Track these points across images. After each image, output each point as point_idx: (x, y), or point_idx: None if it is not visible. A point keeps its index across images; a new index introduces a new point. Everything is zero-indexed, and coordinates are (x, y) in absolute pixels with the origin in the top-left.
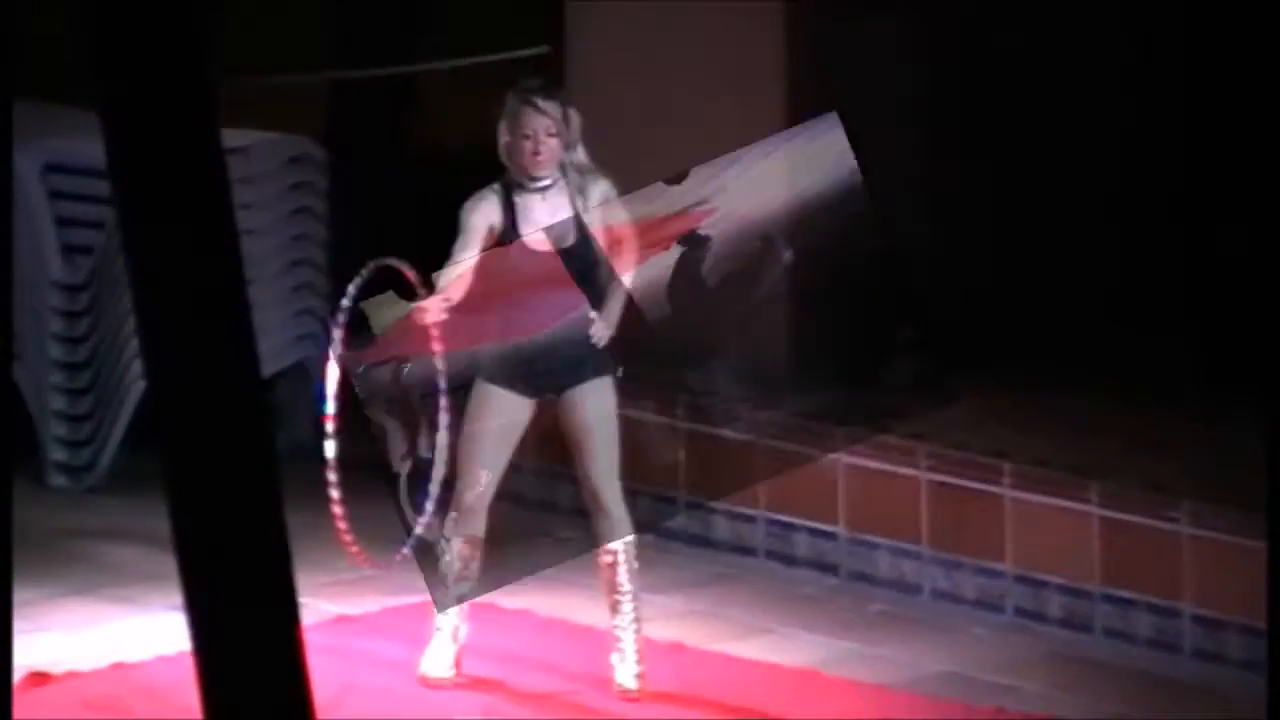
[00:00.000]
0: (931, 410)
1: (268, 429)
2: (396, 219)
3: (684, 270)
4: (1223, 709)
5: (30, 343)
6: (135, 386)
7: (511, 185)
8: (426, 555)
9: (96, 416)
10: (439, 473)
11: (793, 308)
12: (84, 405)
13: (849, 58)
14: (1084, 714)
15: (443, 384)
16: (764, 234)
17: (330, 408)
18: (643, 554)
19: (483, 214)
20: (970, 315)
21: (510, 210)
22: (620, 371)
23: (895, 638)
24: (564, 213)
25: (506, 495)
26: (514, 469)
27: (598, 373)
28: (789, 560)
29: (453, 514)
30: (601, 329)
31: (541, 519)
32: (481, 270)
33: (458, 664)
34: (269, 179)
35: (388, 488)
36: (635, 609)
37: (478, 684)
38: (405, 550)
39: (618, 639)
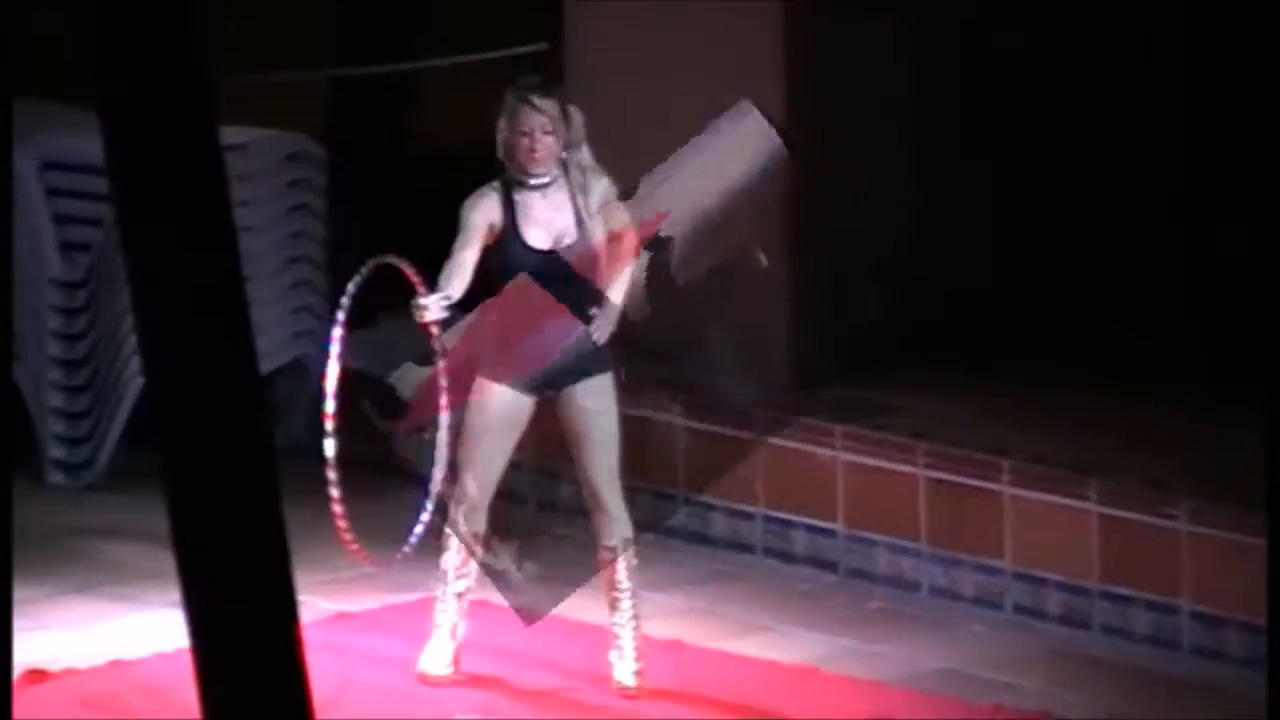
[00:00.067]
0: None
1: (266, 426)
2: (395, 216)
3: (656, 272)
4: (1221, 706)
5: (28, 340)
6: (133, 384)
7: (511, 183)
8: (499, 577)
9: (95, 414)
10: (440, 472)
11: (790, 306)
12: (82, 402)
13: (847, 57)
14: (1082, 711)
15: (443, 383)
16: (726, 231)
17: (329, 406)
18: (641, 551)
19: (482, 212)
20: (970, 315)
21: (510, 208)
22: (620, 369)
23: (894, 635)
24: (564, 211)
25: (506, 493)
26: (513, 467)
27: (598, 370)
28: (787, 557)
29: (453, 510)
30: (601, 326)
31: (540, 517)
32: (481, 268)
33: (456, 661)
34: (267, 176)
35: (439, 517)
36: (634, 606)
37: (476, 681)
38: (406, 549)
39: (616, 636)
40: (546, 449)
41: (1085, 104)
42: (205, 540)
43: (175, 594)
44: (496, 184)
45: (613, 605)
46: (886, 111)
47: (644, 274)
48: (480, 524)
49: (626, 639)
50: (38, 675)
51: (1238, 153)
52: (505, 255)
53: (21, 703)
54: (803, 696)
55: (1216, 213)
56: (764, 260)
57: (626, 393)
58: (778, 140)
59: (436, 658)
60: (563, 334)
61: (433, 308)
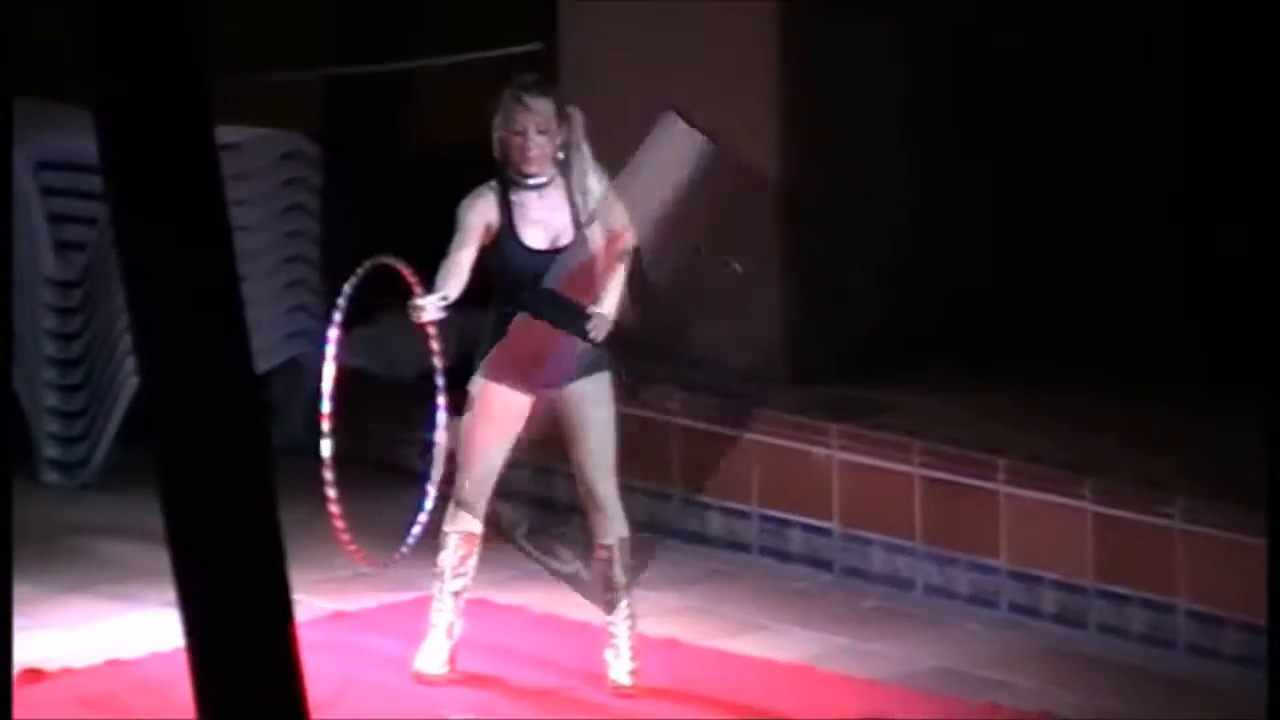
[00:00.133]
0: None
1: (261, 425)
2: (391, 215)
3: (634, 280)
4: (1217, 704)
5: (23, 339)
6: (129, 383)
7: (508, 183)
8: (571, 580)
9: (90, 413)
10: (438, 471)
11: (789, 305)
12: (77, 402)
13: (845, 57)
14: (1078, 709)
15: (441, 381)
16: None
17: (326, 407)
18: (637, 551)
19: (479, 212)
20: (970, 314)
21: (507, 208)
22: (619, 368)
23: (889, 633)
24: (561, 211)
25: (503, 491)
26: (511, 465)
27: (595, 368)
28: (783, 556)
29: (451, 508)
30: (599, 325)
31: (537, 516)
32: (478, 268)
33: (452, 660)
34: (262, 175)
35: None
36: (630, 605)
37: (472, 680)
38: (404, 549)
39: (612, 635)
40: (544, 447)
41: (1085, 104)
42: (201, 539)
43: (171, 593)
44: (493, 184)
45: (608, 604)
46: (885, 111)
47: (624, 283)
48: (478, 525)
49: (622, 638)
50: (34, 674)
51: (1238, 153)
52: (502, 255)
53: (18, 702)
54: (798, 695)
55: (1216, 213)
56: (739, 268)
57: (625, 392)
58: (704, 140)
59: (432, 657)
60: (561, 332)
61: (430, 308)
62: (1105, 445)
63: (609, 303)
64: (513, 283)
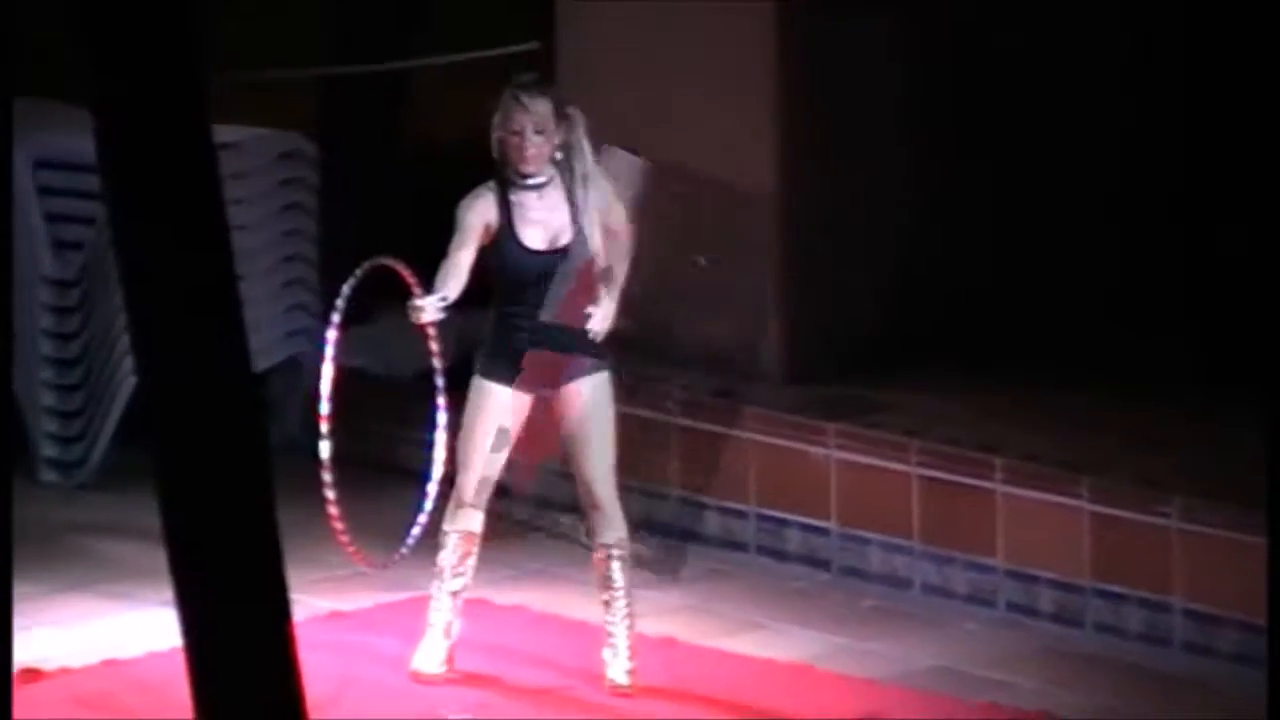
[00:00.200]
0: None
1: (259, 425)
2: (389, 215)
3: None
4: (1214, 703)
5: (21, 338)
6: (126, 382)
7: (507, 183)
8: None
9: (88, 412)
10: (438, 471)
11: (788, 305)
12: (75, 401)
13: (843, 57)
14: (1076, 708)
15: (441, 382)
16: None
17: (325, 408)
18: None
19: (479, 212)
20: (969, 314)
21: (506, 208)
22: (619, 367)
23: (887, 633)
24: (560, 210)
25: (501, 490)
26: (509, 465)
27: (595, 368)
28: (781, 555)
29: (451, 508)
30: (599, 324)
31: (535, 515)
32: (478, 269)
33: (450, 660)
34: (260, 174)
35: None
36: (628, 605)
37: (470, 680)
38: (404, 550)
39: (610, 634)
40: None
41: (1085, 104)
42: (198, 539)
43: (169, 592)
44: (492, 184)
45: (606, 603)
46: (884, 111)
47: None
48: (477, 523)
49: (620, 637)
50: (31, 674)
51: (1238, 153)
52: (502, 255)
53: (15, 702)
54: (796, 694)
55: (1216, 213)
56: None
57: (624, 392)
58: (644, 163)
59: (430, 656)
60: (560, 331)
61: (429, 309)
62: (1104, 445)
63: (608, 303)
64: (512, 283)
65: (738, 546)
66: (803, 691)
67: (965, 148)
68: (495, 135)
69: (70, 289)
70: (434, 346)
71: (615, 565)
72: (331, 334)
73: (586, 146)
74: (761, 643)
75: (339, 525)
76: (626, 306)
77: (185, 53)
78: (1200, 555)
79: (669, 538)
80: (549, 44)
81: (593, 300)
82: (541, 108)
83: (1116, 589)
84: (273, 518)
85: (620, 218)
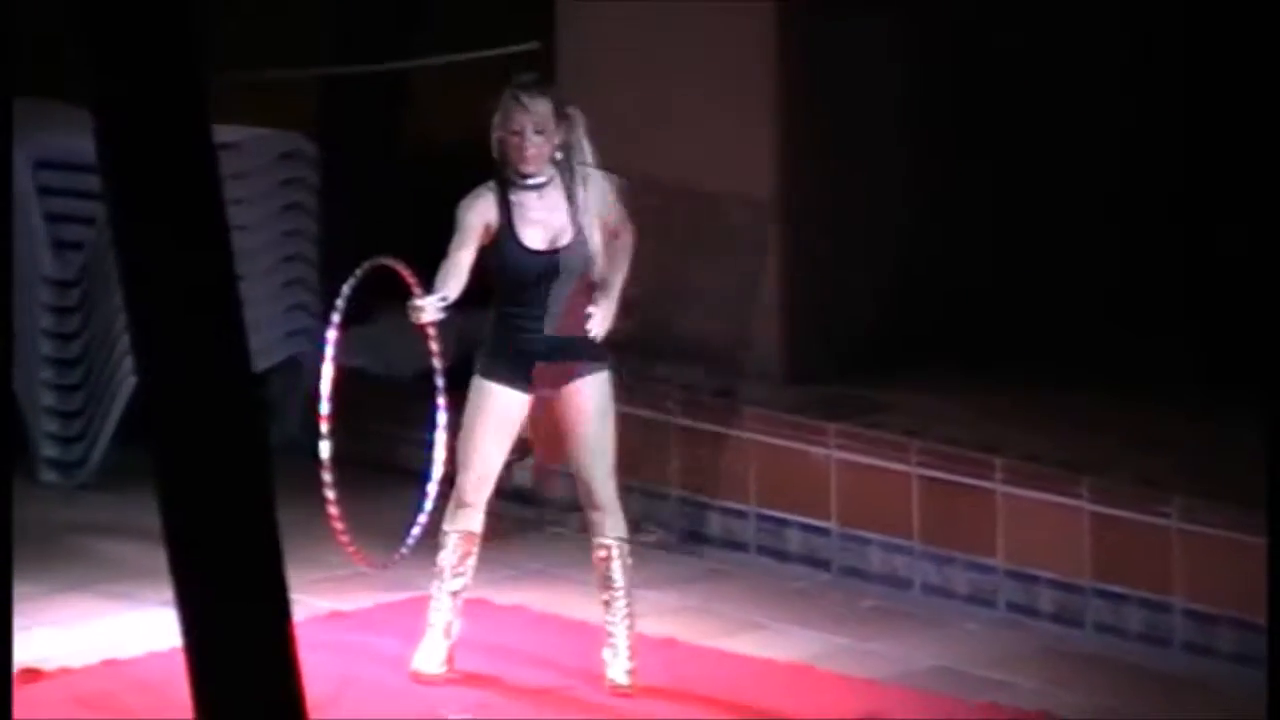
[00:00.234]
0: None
1: (259, 424)
2: (389, 215)
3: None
4: (1213, 703)
5: (21, 338)
6: (126, 382)
7: (507, 183)
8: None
9: (88, 412)
10: (438, 471)
11: (788, 305)
12: (75, 401)
13: (843, 57)
14: (1076, 708)
15: (441, 382)
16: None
17: (325, 409)
18: (635, 549)
19: (479, 212)
20: (970, 314)
21: (506, 208)
22: (619, 367)
23: (887, 633)
24: (560, 210)
25: (500, 490)
26: (507, 464)
27: (595, 368)
28: (781, 556)
29: (451, 508)
30: (598, 324)
31: (534, 514)
32: (478, 269)
33: (450, 660)
34: (260, 174)
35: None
36: (628, 605)
37: (470, 680)
38: (404, 550)
39: (610, 634)
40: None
41: (1085, 104)
42: (198, 539)
43: (169, 592)
44: (492, 184)
45: (607, 604)
46: (884, 111)
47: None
48: (477, 523)
49: (620, 637)
50: (31, 674)
51: (1238, 153)
52: (502, 255)
53: (15, 701)
54: (797, 694)
55: (1216, 213)
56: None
57: (624, 391)
58: (617, 178)
59: (430, 656)
60: (559, 330)
61: (429, 309)
62: (1104, 445)
63: (609, 302)
64: (512, 283)
65: (738, 546)
66: (803, 692)
67: (965, 148)
68: (495, 135)
69: (70, 289)
70: (434, 346)
71: (615, 565)
72: (331, 334)
73: (587, 146)
74: (762, 643)
75: (339, 525)
76: (626, 308)
77: (185, 53)
78: (1200, 555)
79: (669, 537)
80: (549, 44)
81: (592, 300)
82: (541, 108)
83: (1116, 589)
84: (273, 517)
85: (620, 217)
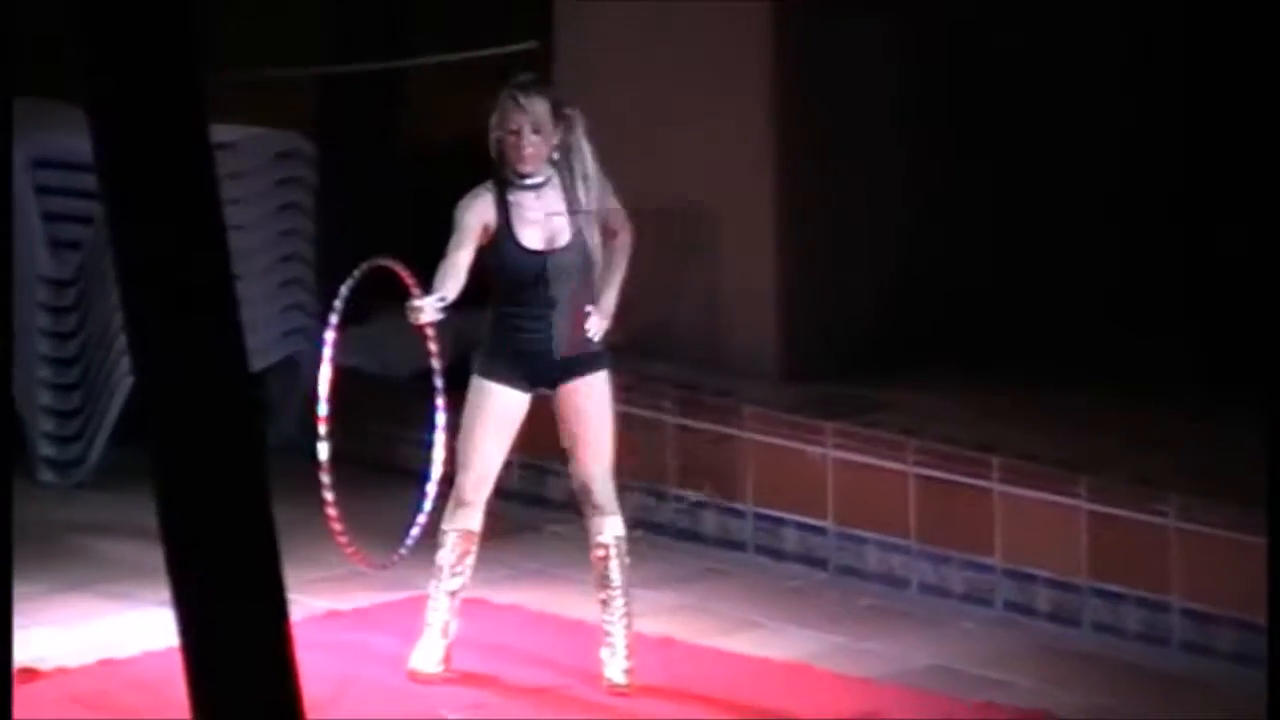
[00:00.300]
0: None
1: (256, 424)
2: (386, 214)
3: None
4: (1211, 702)
5: (19, 338)
6: (124, 382)
7: (505, 183)
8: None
9: (85, 412)
10: (437, 471)
11: (789, 305)
12: (72, 401)
13: (842, 57)
14: (1073, 707)
15: (439, 382)
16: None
17: (323, 410)
18: (632, 549)
19: (477, 212)
20: (970, 314)
21: (504, 208)
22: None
23: (884, 632)
24: (558, 210)
25: (498, 490)
26: (507, 464)
27: (593, 367)
28: (778, 555)
29: (450, 506)
30: (597, 323)
31: (532, 513)
32: (476, 269)
33: (448, 659)
34: (257, 174)
35: None
36: (625, 604)
37: (468, 679)
38: (403, 550)
39: (608, 633)
40: (540, 446)
41: (1085, 104)
42: (196, 538)
43: (166, 592)
44: (490, 184)
45: (604, 603)
46: (882, 111)
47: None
48: (476, 522)
49: (618, 636)
50: (29, 674)
51: (1238, 153)
52: (500, 256)
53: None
54: (793, 693)
55: (1216, 213)
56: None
57: (622, 390)
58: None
59: (428, 655)
60: (558, 331)
61: (428, 309)
62: (1103, 445)
63: (607, 301)
64: (510, 283)
65: (735, 546)
66: (800, 690)
67: (965, 148)
68: (493, 135)
69: (67, 288)
70: (433, 347)
71: (613, 564)
72: (329, 335)
73: (586, 146)
74: (758, 642)
75: (338, 526)
76: (624, 308)
77: (182, 52)
78: (1198, 554)
79: (666, 536)
80: (547, 43)
81: (591, 300)
82: (539, 107)
83: (1114, 588)
84: (270, 517)
85: (619, 217)
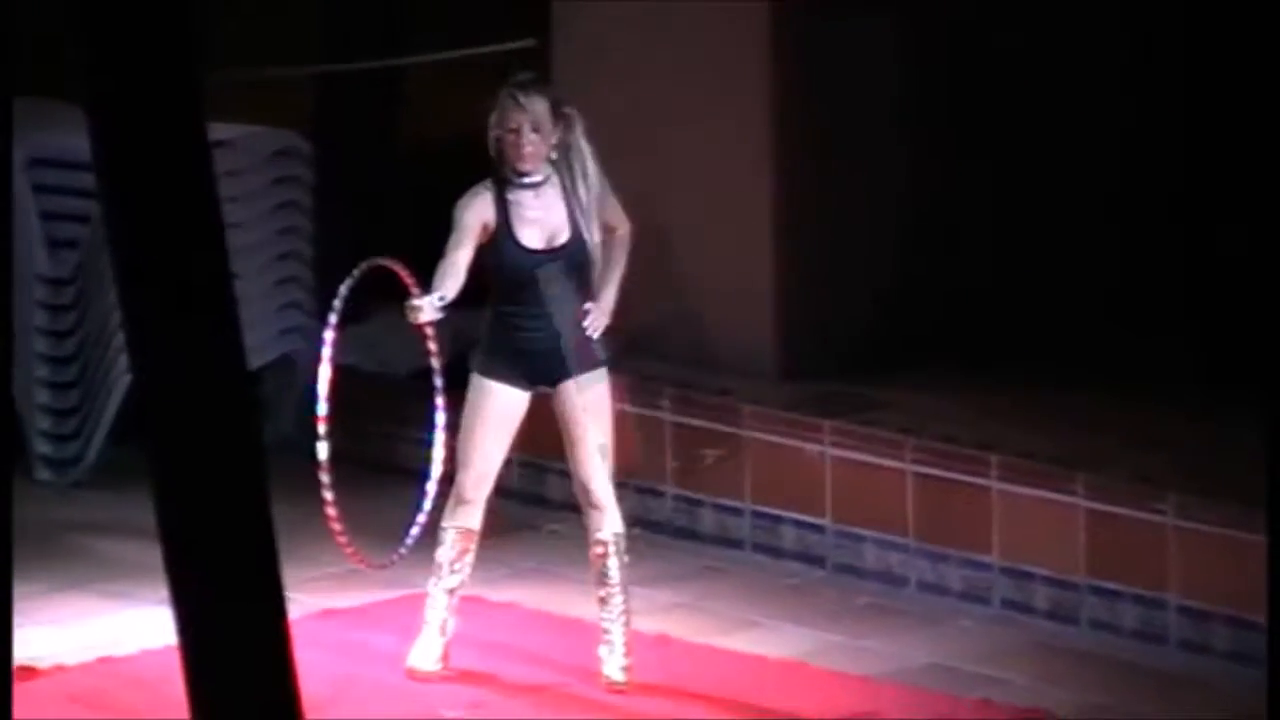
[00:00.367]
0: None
1: (254, 422)
2: (383, 213)
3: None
4: (1208, 700)
5: (16, 336)
6: (121, 380)
7: (504, 182)
8: None
9: (83, 410)
10: (436, 470)
11: (789, 305)
12: (70, 399)
13: (842, 57)
14: (1070, 705)
15: (439, 381)
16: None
17: (322, 409)
18: (631, 547)
19: (475, 211)
20: (969, 314)
21: (503, 207)
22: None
23: (882, 630)
24: (557, 209)
25: (498, 488)
26: (505, 462)
27: (592, 365)
28: (776, 553)
29: (450, 505)
30: (596, 322)
31: (531, 512)
32: (476, 268)
33: (446, 657)
34: (255, 173)
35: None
36: (624, 602)
37: (466, 677)
38: (403, 550)
39: (606, 631)
40: (539, 444)
41: (1085, 104)
42: (193, 537)
43: (164, 590)
44: (489, 183)
45: (602, 601)
46: (882, 111)
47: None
48: (475, 520)
49: (616, 634)
50: (27, 672)
51: (1238, 153)
52: (499, 255)
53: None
54: (791, 691)
55: (1216, 213)
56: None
57: (621, 389)
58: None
59: (426, 653)
60: (557, 330)
61: (427, 309)
62: (1103, 444)
63: (606, 299)
64: (509, 282)
65: (733, 544)
66: (797, 688)
67: (965, 148)
68: (492, 134)
69: (65, 287)
70: (432, 346)
71: (612, 562)
72: (329, 335)
73: (585, 145)
74: (756, 640)
75: (337, 526)
76: (623, 306)
77: (180, 50)
78: (1195, 552)
79: (665, 535)
80: (545, 42)
81: (591, 298)
82: (538, 106)
83: (1111, 586)
84: (268, 515)
85: (618, 216)
